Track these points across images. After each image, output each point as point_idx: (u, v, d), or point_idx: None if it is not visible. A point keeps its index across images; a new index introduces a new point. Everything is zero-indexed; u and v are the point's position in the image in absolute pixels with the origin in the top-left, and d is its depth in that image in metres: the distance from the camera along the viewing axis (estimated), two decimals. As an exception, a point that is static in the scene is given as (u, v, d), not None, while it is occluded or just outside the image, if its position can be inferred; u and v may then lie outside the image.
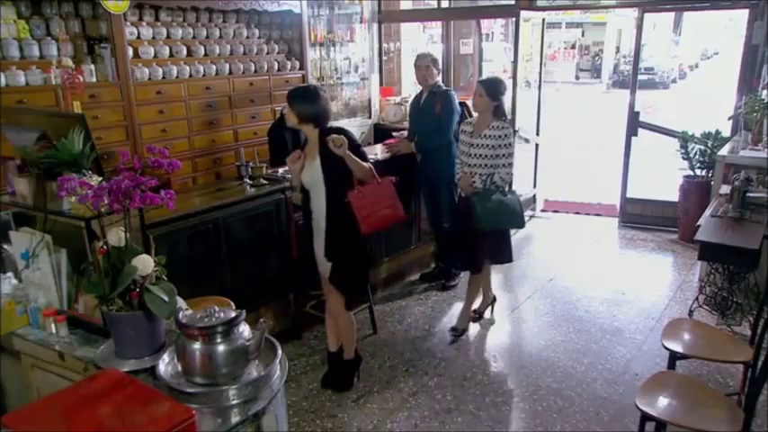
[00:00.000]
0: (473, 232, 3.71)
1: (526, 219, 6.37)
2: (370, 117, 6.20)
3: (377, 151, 4.73)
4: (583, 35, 24.97)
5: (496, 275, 5.04)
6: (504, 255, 3.93)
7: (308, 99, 2.98)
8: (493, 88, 3.66)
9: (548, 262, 5.28)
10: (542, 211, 6.75)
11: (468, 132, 3.75)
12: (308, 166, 3.00)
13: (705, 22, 27.13)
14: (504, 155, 3.66)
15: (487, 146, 3.64)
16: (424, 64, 4.36)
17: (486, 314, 4.19)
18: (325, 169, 2.97)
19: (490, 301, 4.19)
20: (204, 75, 4.41)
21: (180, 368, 1.58)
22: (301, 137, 4.58)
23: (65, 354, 1.83)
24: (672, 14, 22.26)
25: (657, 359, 3.51)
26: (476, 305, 4.11)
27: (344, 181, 2.99)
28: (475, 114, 3.93)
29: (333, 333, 3.39)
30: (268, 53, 4.96)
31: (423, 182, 4.54)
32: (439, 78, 4.45)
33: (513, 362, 3.66)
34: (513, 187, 3.91)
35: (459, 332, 3.93)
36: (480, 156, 3.67)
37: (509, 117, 5.76)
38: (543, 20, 6.19)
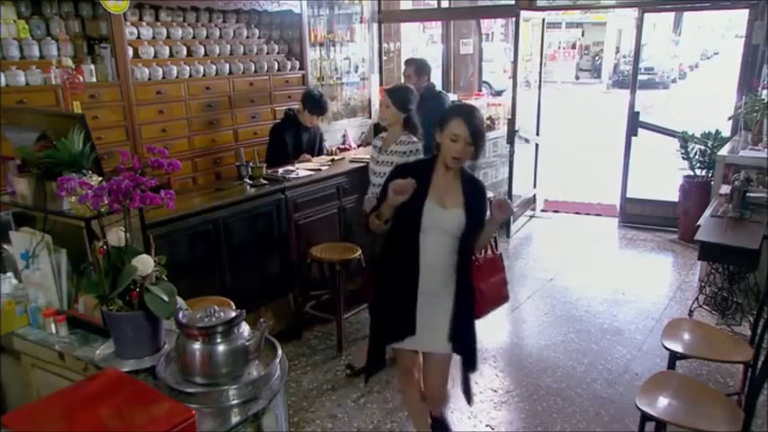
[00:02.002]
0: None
1: (526, 219, 6.41)
2: (369, 117, 6.20)
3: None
4: (583, 35, 24.96)
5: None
6: None
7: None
8: (401, 97, 3.26)
9: (548, 262, 5.28)
10: (542, 211, 6.75)
11: (378, 148, 3.36)
12: (436, 206, 2.31)
13: (705, 22, 27.16)
14: None
15: (394, 163, 3.15)
16: (406, 73, 4.36)
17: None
18: (469, 223, 2.31)
19: None
20: (204, 75, 4.41)
21: (180, 368, 1.57)
22: (303, 140, 4.60)
23: (65, 354, 1.83)
24: (672, 14, 22.30)
25: (657, 359, 3.51)
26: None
27: (473, 242, 2.41)
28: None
29: (423, 418, 2.72)
30: (268, 53, 4.96)
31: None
32: (432, 81, 4.43)
33: (512, 362, 3.66)
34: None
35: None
36: (386, 174, 3.21)
37: (508, 117, 5.81)
38: (543, 20, 6.20)
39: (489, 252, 2.61)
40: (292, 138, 4.43)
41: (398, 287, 2.39)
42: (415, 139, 3.28)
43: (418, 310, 2.37)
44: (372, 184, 3.36)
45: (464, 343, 2.46)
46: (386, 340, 2.50)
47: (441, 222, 2.31)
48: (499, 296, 2.66)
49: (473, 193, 2.36)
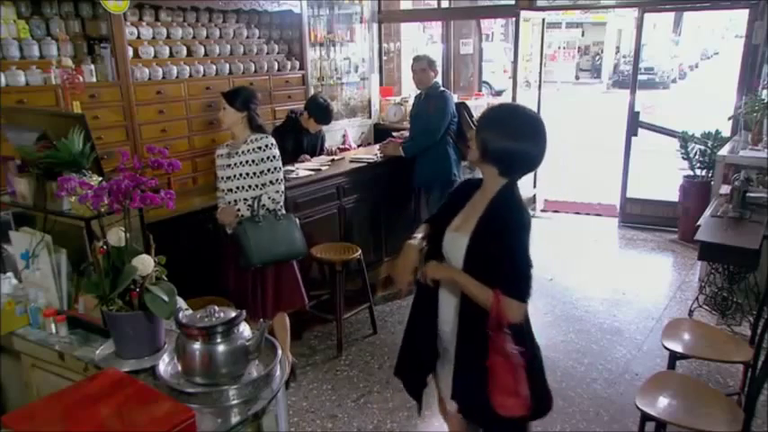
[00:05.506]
0: (244, 271, 3.09)
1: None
2: (370, 117, 6.20)
3: (375, 152, 4.73)
4: (583, 35, 24.98)
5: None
6: (292, 296, 3.25)
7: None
8: (235, 96, 3.11)
9: (548, 262, 5.27)
10: (542, 211, 6.75)
11: (225, 155, 3.15)
12: (450, 230, 1.96)
13: (705, 22, 27.17)
14: (270, 169, 3.09)
15: (249, 162, 3.07)
16: (419, 68, 4.32)
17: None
18: (470, 253, 1.86)
19: (290, 366, 3.37)
20: (204, 75, 4.41)
21: (180, 368, 1.58)
22: (304, 143, 4.59)
23: (65, 354, 1.83)
24: (672, 14, 22.28)
25: (657, 359, 3.51)
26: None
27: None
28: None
29: None
30: (268, 53, 4.96)
31: (420, 182, 4.54)
32: (437, 80, 4.44)
33: (513, 362, 3.65)
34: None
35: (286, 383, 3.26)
36: (242, 176, 3.08)
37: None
38: (543, 20, 6.19)
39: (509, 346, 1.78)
40: (292, 141, 4.42)
41: (417, 328, 2.09)
42: (266, 135, 3.15)
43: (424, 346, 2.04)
44: (223, 190, 3.15)
45: (472, 409, 1.97)
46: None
47: (444, 246, 1.95)
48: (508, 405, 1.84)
49: (490, 218, 1.86)
